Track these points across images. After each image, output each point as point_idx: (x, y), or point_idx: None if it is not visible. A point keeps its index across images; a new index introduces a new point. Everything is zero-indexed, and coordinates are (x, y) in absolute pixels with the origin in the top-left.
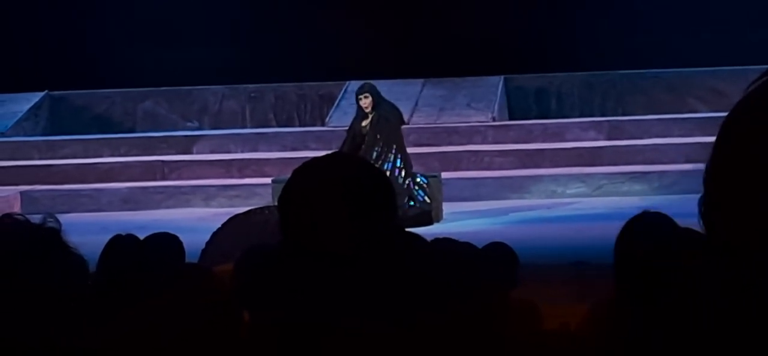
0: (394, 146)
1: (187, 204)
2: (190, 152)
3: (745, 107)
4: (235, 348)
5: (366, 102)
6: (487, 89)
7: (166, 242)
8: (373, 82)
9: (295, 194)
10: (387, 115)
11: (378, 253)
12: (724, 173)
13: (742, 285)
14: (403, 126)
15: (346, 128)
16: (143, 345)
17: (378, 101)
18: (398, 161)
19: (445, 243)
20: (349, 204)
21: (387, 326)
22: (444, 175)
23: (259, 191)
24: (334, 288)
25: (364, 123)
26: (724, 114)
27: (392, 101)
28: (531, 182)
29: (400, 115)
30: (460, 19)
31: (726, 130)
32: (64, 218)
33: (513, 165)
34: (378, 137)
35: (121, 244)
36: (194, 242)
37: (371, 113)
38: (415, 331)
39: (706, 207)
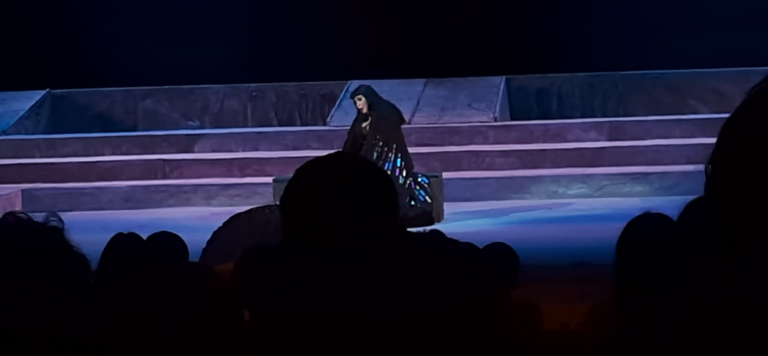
0: (395, 146)
1: (188, 203)
2: (191, 151)
3: (747, 109)
4: (235, 348)
5: (360, 104)
6: (488, 90)
7: (169, 242)
8: (374, 81)
9: (297, 193)
10: (386, 115)
11: (379, 252)
12: (726, 174)
13: (743, 285)
14: (405, 126)
15: (347, 127)
16: (144, 345)
17: (373, 102)
18: (399, 160)
19: (446, 242)
20: (351, 203)
21: (387, 324)
22: (445, 175)
23: (260, 190)
24: (334, 287)
25: (364, 124)
26: (726, 115)
27: (394, 101)
28: (532, 182)
29: (400, 114)
30: (462, 20)
31: (728, 130)
32: (65, 216)
33: (514, 166)
34: (377, 137)
35: (123, 242)
36: (195, 241)
37: (370, 114)
38: (416, 330)
39: (707, 207)
